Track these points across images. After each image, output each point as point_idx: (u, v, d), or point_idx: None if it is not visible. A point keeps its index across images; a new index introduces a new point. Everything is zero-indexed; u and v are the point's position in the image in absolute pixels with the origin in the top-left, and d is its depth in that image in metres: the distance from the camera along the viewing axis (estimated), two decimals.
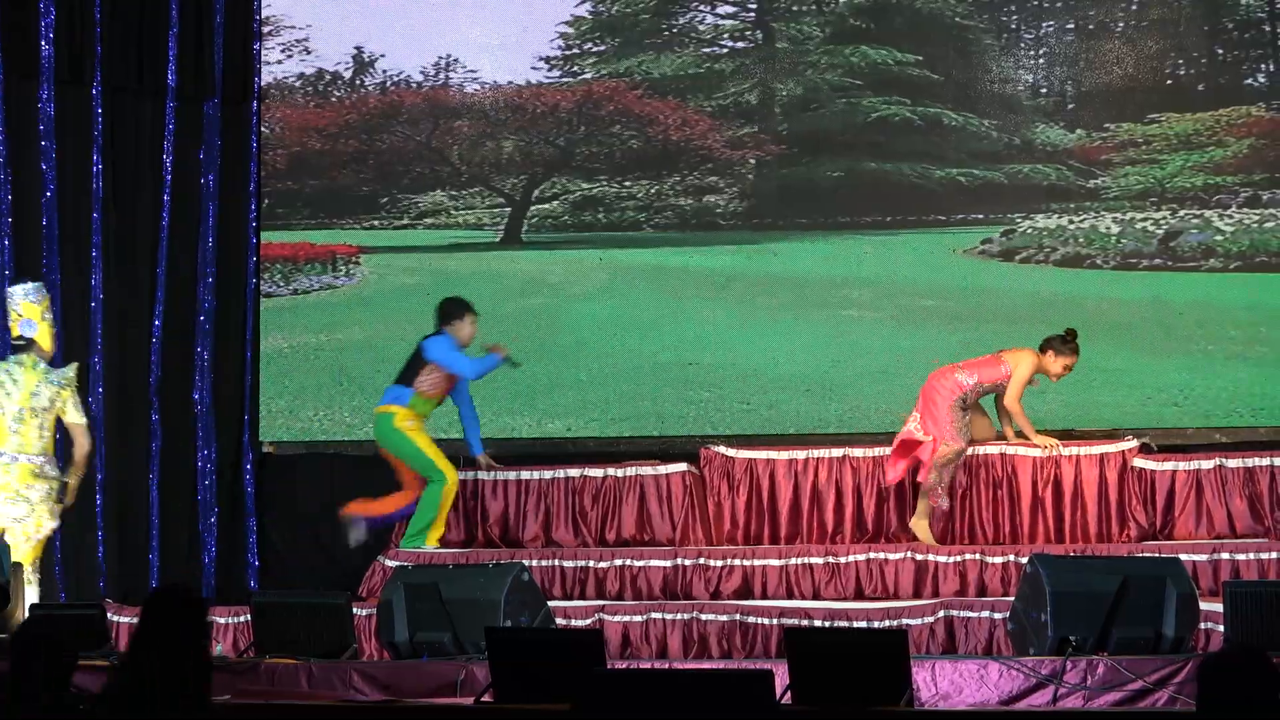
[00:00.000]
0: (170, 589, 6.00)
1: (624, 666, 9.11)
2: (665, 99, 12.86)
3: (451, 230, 13.14)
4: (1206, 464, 11.07)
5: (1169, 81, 12.27)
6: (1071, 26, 12.51)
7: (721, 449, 11.75)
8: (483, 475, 11.83)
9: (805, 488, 11.55)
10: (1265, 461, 11.04)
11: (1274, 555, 10.39)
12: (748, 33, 12.90)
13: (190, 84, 12.76)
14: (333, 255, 13.15)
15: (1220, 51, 12.31)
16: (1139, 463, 11.16)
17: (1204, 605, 8.87)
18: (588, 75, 12.97)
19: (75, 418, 10.67)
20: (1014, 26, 12.68)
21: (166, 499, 12.56)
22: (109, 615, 10.43)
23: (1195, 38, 12.27)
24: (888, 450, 11.20)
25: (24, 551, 10.43)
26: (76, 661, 6.52)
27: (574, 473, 11.82)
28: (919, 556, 10.68)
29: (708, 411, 12.30)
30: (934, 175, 12.47)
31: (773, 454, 11.65)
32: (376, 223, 13.20)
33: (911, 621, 9.81)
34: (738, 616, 10.17)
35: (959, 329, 12.07)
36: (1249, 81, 12.22)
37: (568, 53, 12.98)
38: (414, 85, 13.12)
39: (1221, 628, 8.92)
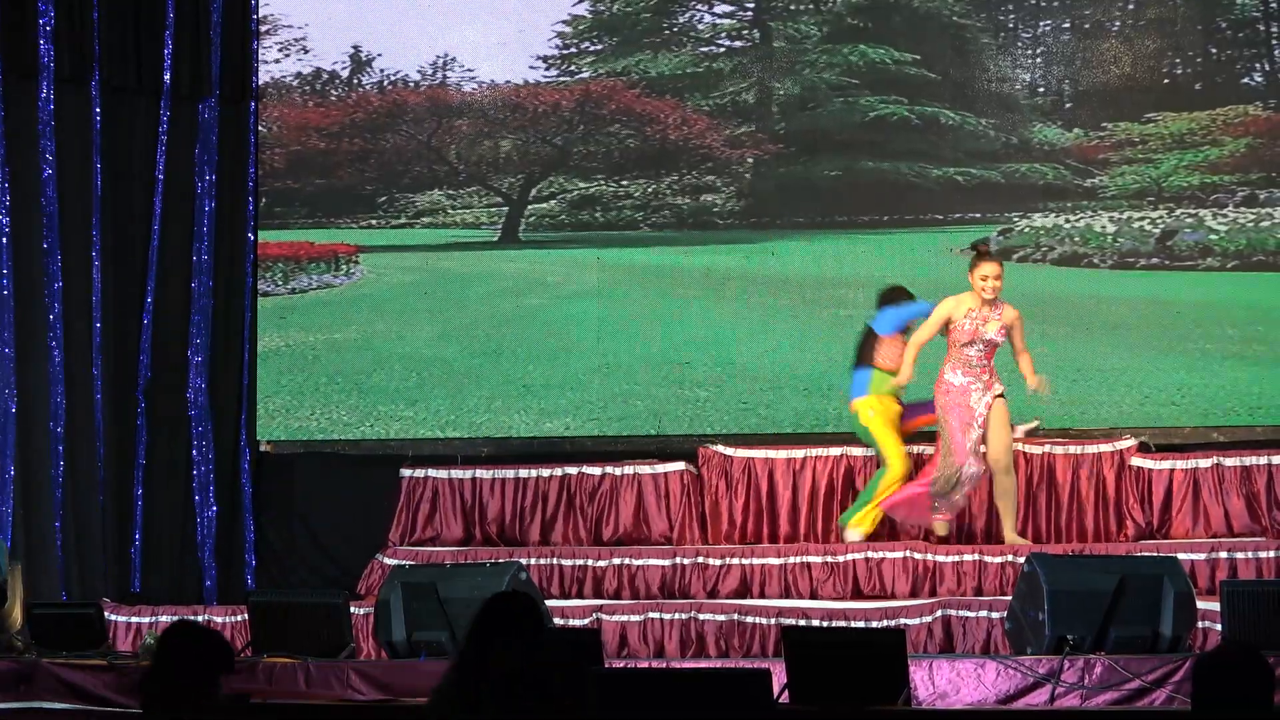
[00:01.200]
0: (508, 596, 5.72)
1: (622, 666, 9.11)
2: (663, 98, 12.85)
3: (449, 229, 13.13)
4: (1204, 463, 11.08)
5: (1165, 81, 12.27)
6: (1068, 26, 12.51)
7: (719, 448, 11.75)
8: (481, 474, 11.87)
9: (803, 487, 11.55)
10: (1262, 460, 11.05)
11: (1271, 554, 10.41)
12: (745, 32, 12.89)
13: (188, 83, 12.75)
14: (334, 255, 13.13)
15: (1215, 51, 12.31)
16: (1136, 462, 11.17)
17: (1201, 604, 8.88)
18: (585, 74, 12.96)
19: None
20: (1011, 26, 12.68)
21: (164, 498, 12.54)
22: (106, 615, 10.44)
23: (1191, 37, 12.27)
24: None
25: None
26: (221, 676, 5.94)
27: (571, 471, 11.83)
28: (917, 556, 10.68)
29: (705, 410, 12.29)
30: (931, 174, 12.47)
31: (770, 453, 11.66)
32: (374, 222, 13.19)
33: (909, 621, 9.82)
34: (735, 616, 10.17)
35: None
36: (1245, 81, 12.22)
37: (565, 52, 12.97)
38: (411, 84, 13.11)
39: (1218, 627, 8.93)
